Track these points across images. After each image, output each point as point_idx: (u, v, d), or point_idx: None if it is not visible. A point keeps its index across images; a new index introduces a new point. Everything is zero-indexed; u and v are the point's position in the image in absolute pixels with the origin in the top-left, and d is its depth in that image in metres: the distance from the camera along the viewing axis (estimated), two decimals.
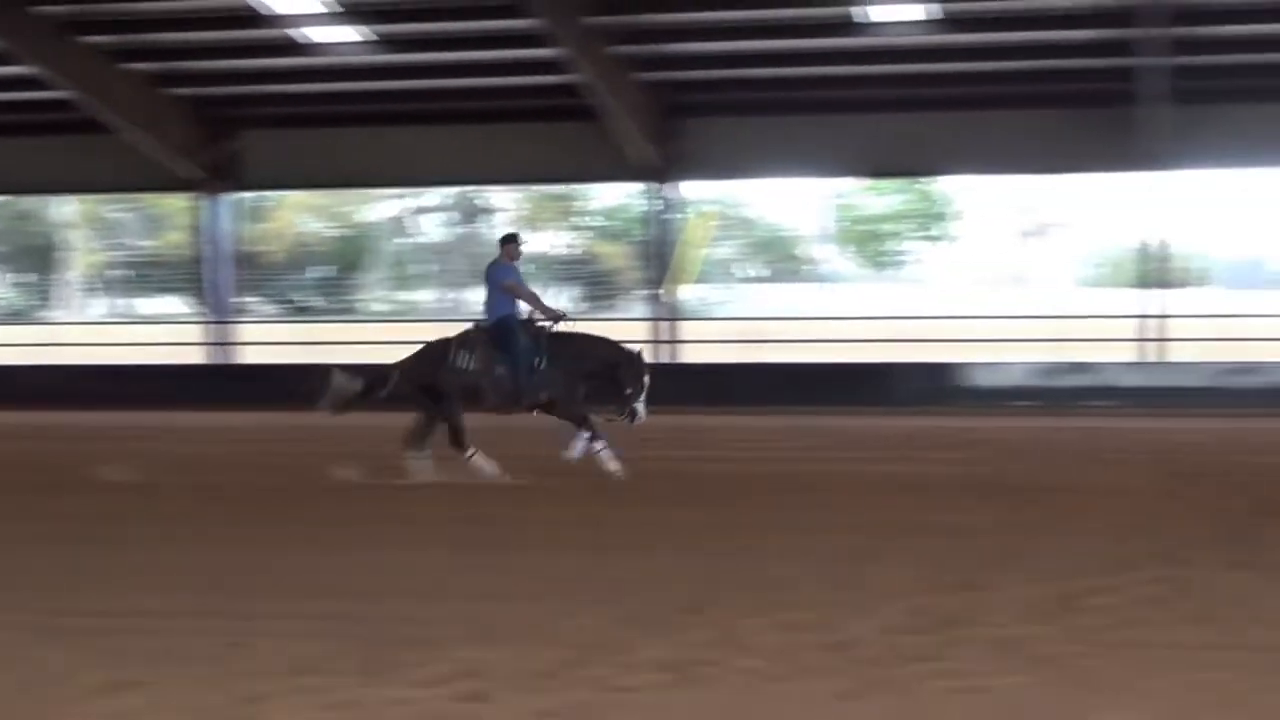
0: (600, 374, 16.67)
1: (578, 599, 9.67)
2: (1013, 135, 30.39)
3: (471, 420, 16.43)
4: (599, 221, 45.66)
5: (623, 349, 16.88)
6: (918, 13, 28.22)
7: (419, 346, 17.07)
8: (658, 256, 32.57)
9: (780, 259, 53.89)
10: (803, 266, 51.27)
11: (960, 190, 51.50)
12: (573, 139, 31.38)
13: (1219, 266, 62.77)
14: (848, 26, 28.69)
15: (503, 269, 16.79)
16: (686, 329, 33.21)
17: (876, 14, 28.30)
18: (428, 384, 16.47)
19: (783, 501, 14.61)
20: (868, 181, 46.61)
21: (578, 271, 43.55)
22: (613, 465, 16.25)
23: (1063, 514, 13.53)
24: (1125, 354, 31.00)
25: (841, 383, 29.41)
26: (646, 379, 16.60)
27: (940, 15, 28.13)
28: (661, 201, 32.39)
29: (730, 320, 39.06)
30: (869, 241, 59.14)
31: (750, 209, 51.29)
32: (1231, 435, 22.05)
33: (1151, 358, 30.77)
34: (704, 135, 31.44)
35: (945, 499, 14.69)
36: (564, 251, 44.29)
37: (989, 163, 32.29)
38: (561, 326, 16.83)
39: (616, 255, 43.53)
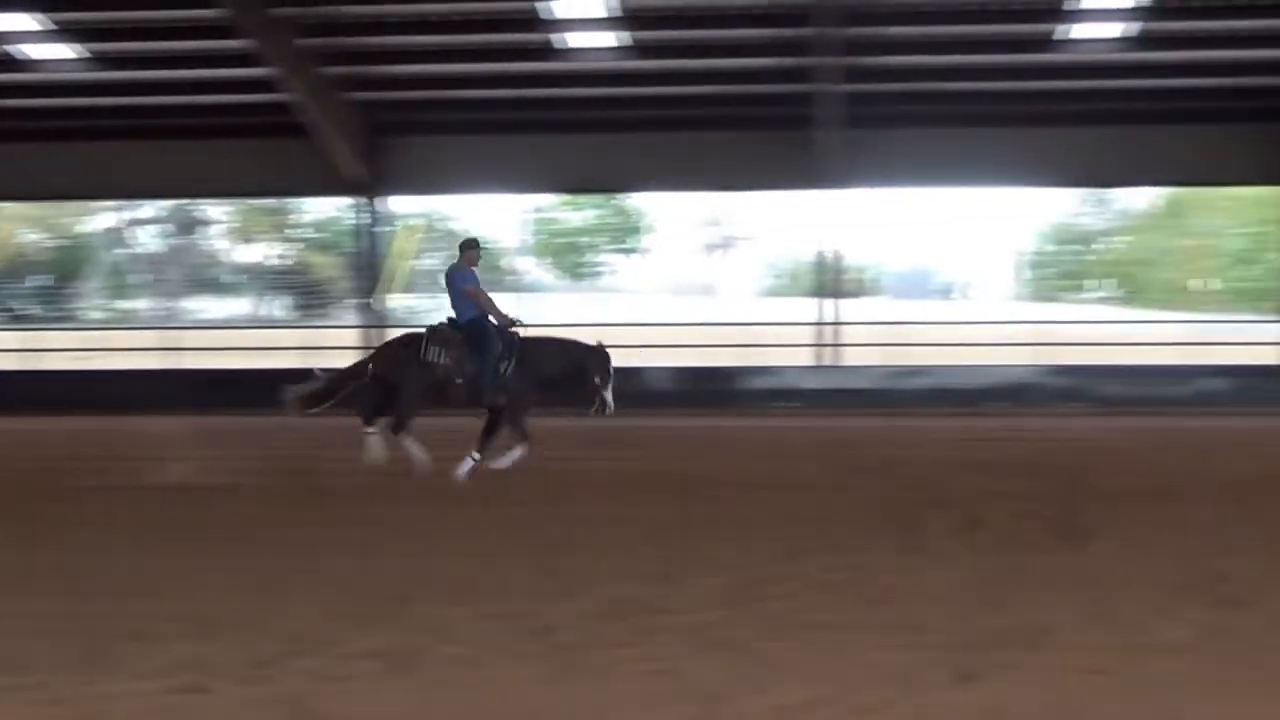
0: (568, 374, 16.46)
1: (293, 594, 9.55)
2: (700, 155, 30.83)
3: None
4: (310, 234, 45.19)
5: (586, 345, 16.72)
6: (610, 40, 28.51)
7: (386, 340, 16.82)
8: (367, 267, 32.37)
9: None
10: (505, 277, 51.22)
11: (653, 205, 51.96)
12: (285, 155, 31.02)
13: (889, 277, 64.41)
14: (547, 52, 28.87)
15: (462, 274, 16.50)
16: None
17: (574, 40, 28.54)
18: (393, 375, 16.10)
19: (482, 498, 14.58)
20: (565, 197, 46.78)
21: (290, 282, 43.05)
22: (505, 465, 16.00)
23: (748, 507, 13.71)
24: (804, 358, 31.62)
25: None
26: (612, 368, 16.49)
27: (630, 43, 28.44)
28: (371, 215, 32.18)
29: None
30: (567, 253, 59.39)
31: (455, 222, 51.15)
32: (900, 432, 22.62)
33: (828, 362, 31.44)
34: (411, 152, 31.33)
35: (638, 494, 14.80)
36: (276, 263, 43.76)
37: (679, 180, 32.72)
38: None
39: (328, 266, 43.12)
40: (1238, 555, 10.74)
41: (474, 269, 16.62)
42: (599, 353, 16.56)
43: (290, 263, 43.76)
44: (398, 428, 16.02)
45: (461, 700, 7.15)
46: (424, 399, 16.14)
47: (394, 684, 7.41)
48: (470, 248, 16.73)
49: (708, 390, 30.10)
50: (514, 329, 16.43)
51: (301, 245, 45.15)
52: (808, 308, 32.99)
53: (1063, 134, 30.29)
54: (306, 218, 44.94)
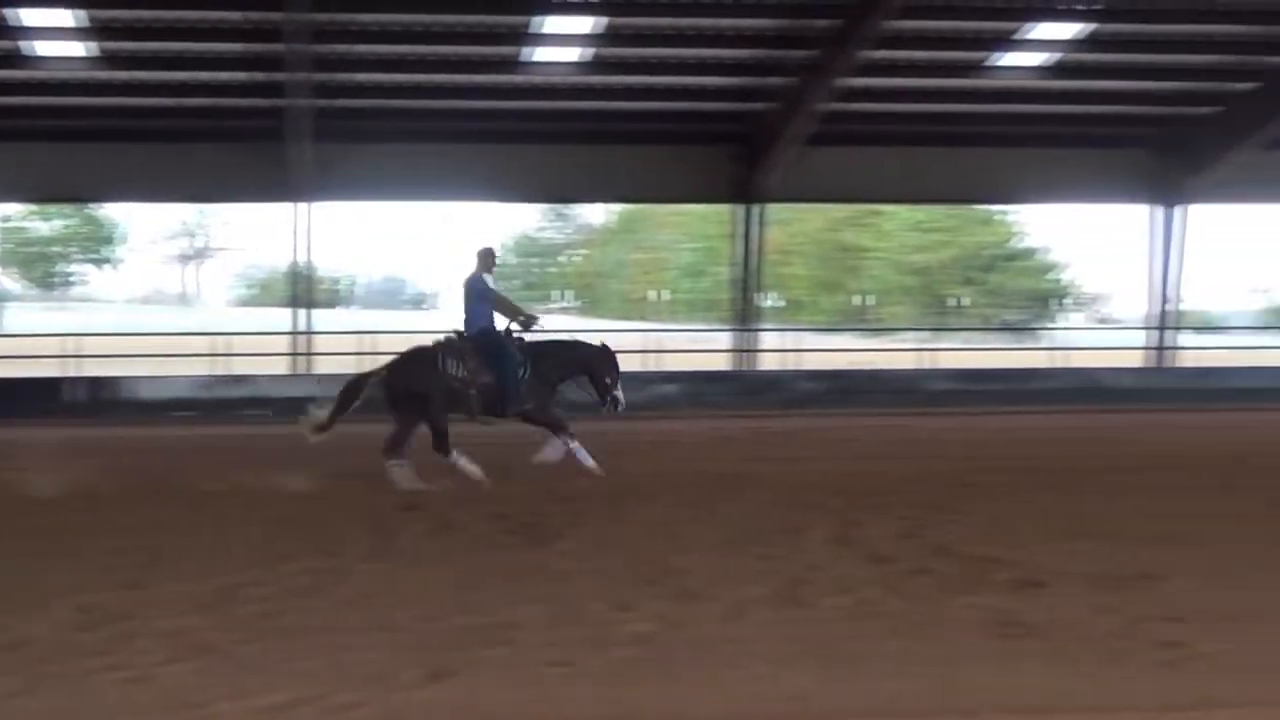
0: (578, 375, 16.44)
1: None
2: (174, 167, 30.14)
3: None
4: None
5: (593, 346, 16.70)
6: (79, 49, 27.59)
7: (400, 352, 16.19)
8: None
9: None
10: None
11: (126, 216, 50.50)
12: None
13: (362, 287, 64.37)
14: (15, 59, 27.74)
15: (481, 281, 16.10)
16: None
17: (42, 49, 27.55)
18: (417, 390, 15.57)
19: None
20: (34, 207, 44.95)
21: None
22: (590, 463, 15.82)
23: (224, 514, 13.44)
24: (279, 367, 31.24)
25: (12, 395, 28.25)
26: (620, 368, 16.48)
27: (99, 53, 27.55)
28: None
29: None
30: (36, 263, 57.13)
31: None
32: (375, 438, 22.49)
33: (302, 370, 31.16)
34: None
35: (115, 501, 14.32)
36: None
37: (152, 191, 31.94)
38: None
39: None
40: (693, 551, 11.14)
41: (488, 276, 16.33)
42: (606, 353, 16.58)
43: None
44: (439, 449, 15.70)
45: None
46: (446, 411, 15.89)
47: None
48: (486, 256, 16.41)
49: (181, 399, 29.34)
50: (527, 330, 16.41)
51: None
52: (282, 317, 32.65)
53: (526, 151, 30.89)
54: None
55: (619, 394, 16.48)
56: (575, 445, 16.09)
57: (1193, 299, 40.94)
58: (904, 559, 10.88)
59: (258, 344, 32.47)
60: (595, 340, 17.18)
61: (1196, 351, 36.54)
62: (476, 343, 16.02)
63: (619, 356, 16.79)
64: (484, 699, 7.13)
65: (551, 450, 16.17)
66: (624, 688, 7.30)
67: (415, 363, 16.11)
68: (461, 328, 16.23)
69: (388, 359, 16.44)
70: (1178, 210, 33.64)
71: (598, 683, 7.38)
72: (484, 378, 15.89)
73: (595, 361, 16.55)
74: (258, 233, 66.82)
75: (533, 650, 8.00)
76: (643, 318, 54.44)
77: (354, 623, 8.71)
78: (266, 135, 29.07)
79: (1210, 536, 11.90)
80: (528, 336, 16.54)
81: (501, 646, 8.08)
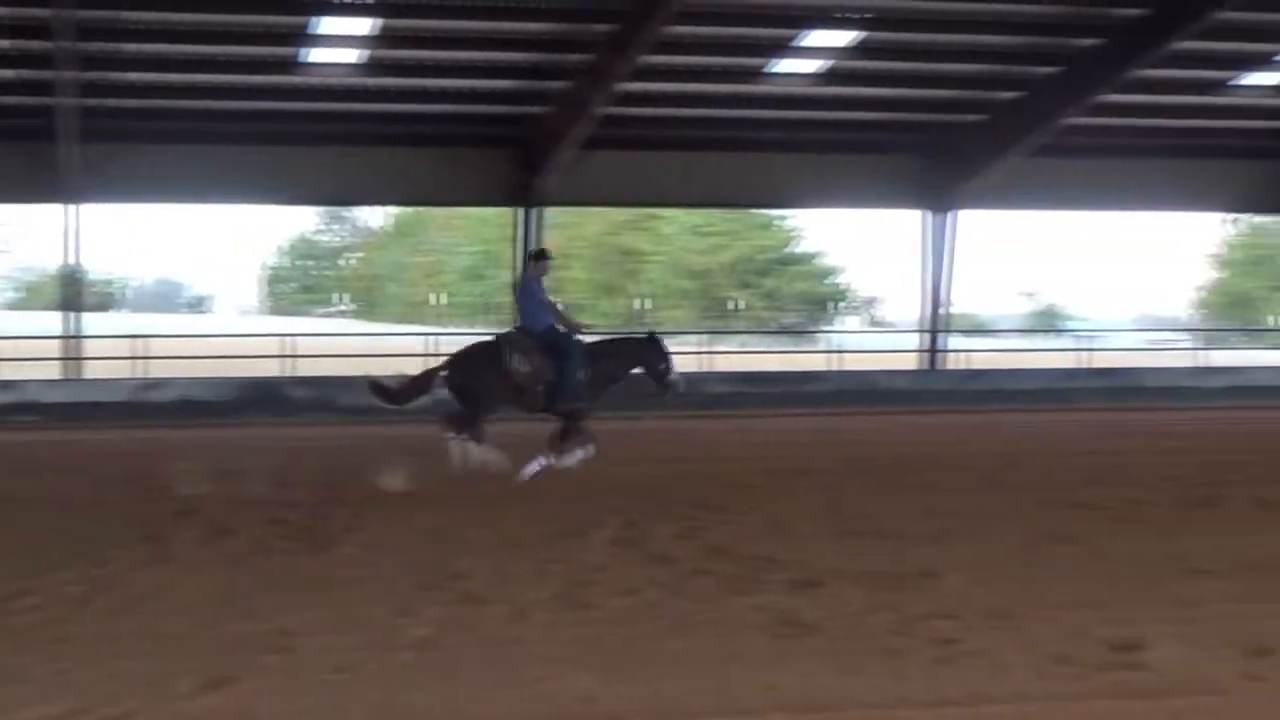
0: (634, 369, 16.62)
1: None
2: None
3: None
4: None
5: (641, 340, 17.27)
6: None
7: (464, 345, 16.31)
8: None
9: None
10: None
11: None
12: None
13: (134, 290, 63.20)
14: None
15: (536, 282, 16.27)
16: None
17: None
18: (474, 385, 15.77)
19: None
20: None
21: None
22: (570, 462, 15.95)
23: None
24: (47, 372, 30.51)
25: None
26: (669, 352, 16.74)
27: None
28: None
29: None
30: None
31: None
32: (147, 444, 22.12)
33: (73, 375, 30.47)
34: None
35: None
36: None
37: None
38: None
39: None
40: (475, 555, 11.11)
41: (542, 278, 16.25)
42: (654, 342, 16.90)
43: None
44: (463, 426, 15.72)
45: None
46: (500, 405, 16.06)
47: None
48: (540, 257, 16.53)
49: None
50: (581, 334, 16.43)
51: None
52: (51, 321, 31.89)
53: (304, 153, 30.58)
54: None
55: (675, 377, 16.80)
56: (581, 454, 16.11)
57: (963, 302, 41.98)
58: (684, 560, 10.96)
59: (26, 348, 31.69)
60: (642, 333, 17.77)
61: (967, 354, 37.44)
62: (544, 340, 16.02)
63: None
64: (262, 706, 7.02)
65: (534, 465, 15.87)
66: (406, 692, 7.24)
67: (476, 359, 16.14)
68: (522, 324, 16.38)
69: (451, 353, 16.61)
70: (949, 215, 34.40)
71: (379, 688, 7.32)
72: (548, 374, 15.91)
73: (647, 353, 16.79)
74: (26, 234, 65.27)
75: (312, 656, 7.91)
76: (421, 321, 54.19)
77: (128, 631, 8.53)
78: (35, 134, 28.35)
79: (982, 535, 12.19)
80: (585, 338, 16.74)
81: (280, 653, 7.97)
